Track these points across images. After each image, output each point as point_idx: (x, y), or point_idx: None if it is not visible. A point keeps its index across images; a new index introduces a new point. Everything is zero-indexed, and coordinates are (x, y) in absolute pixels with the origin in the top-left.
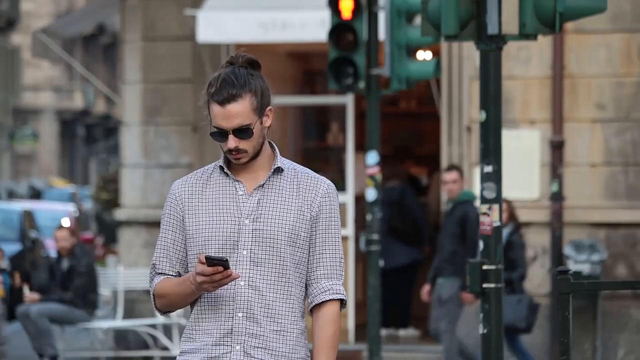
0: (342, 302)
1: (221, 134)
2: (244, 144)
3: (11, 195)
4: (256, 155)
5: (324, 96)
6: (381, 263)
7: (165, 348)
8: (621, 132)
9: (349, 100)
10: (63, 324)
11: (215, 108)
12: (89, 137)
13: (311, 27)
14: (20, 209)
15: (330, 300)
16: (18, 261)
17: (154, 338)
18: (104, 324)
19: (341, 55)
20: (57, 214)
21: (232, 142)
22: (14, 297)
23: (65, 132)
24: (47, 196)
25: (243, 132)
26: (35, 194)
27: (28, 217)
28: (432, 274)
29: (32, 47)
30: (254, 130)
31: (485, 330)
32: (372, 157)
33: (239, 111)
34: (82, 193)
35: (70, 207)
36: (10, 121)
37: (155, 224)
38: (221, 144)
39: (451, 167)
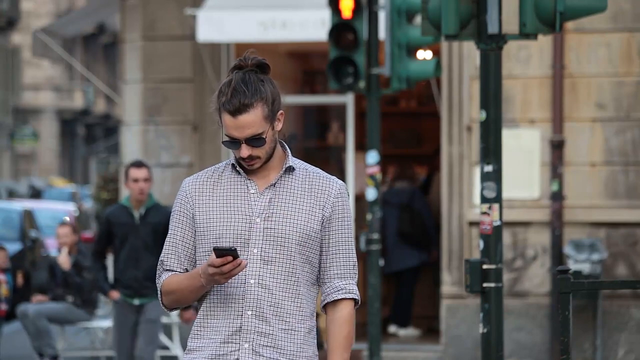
0: (355, 302)
1: (234, 143)
2: (256, 152)
3: (11, 194)
4: (268, 159)
5: (324, 96)
6: (381, 262)
7: (165, 347)
8: (621, 132)
9: (349, 99)
10: (63, 324)
11: (227, 118)
12: (89, 136)
13: (311, 26)
14: (20, 209)
15: (344, 299)
16: (18, 261)
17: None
18: (104, 323)
19: (341, 54)
20: (57, 213)
21: (245, 150)
22: (16, 296)
23: (65, 132)
24: (47, 195)
25: (255, 140)
26: (36, 194)
27: (28, 217)
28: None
29: (32, 46)
30: (266, 138)
31: (485, 330)
32: (372, 157)
33: (250, 121)
34: (82, 192)
35: (71, 207)
36: (10, 121)
37: None
38: (234, 152)
39: (140, 164)
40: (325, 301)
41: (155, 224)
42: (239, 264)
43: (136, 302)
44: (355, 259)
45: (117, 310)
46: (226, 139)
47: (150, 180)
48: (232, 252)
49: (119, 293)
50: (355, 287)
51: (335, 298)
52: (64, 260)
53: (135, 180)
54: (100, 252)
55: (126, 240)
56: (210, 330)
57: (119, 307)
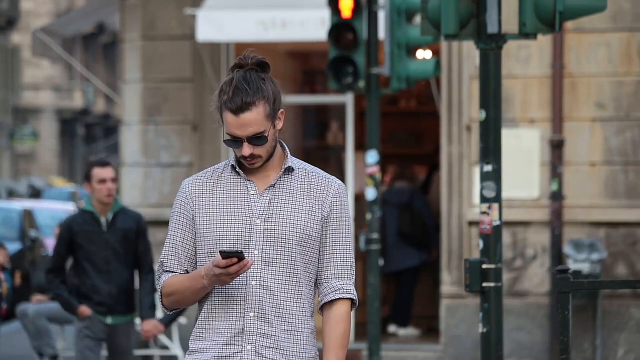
0: (353, 302)
1: (235, 141)
2: (258, 150)
3: (11, 194)
4: (269, 158)
5: (324, 95)
6: (381, 262)
7: (165, 347)
8: (621, 132)
9: (349, 99)
10: (63, 324)
11: (229, 117)
12: (89, 136)
13: (311, 26)
14: (20, 209)
15: (340, 299)
16: (18, 261)
17: (154, 337)
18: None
19: (341, 54)
20: (57, 213)
21: (247, 149)
22: (15, 296)
23: (65, 132)
24: (47, 195)
25: (257, 139)
26: (35, 194)
27: (28, 217)
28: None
29: (32, 46)
30: (268, 136)
31: (485, 330)
32: (372, 157)
33: (252, 120)
34: (82, 192)
35: (70, 207)
36: (10, 120)
37: (155, 223)
38: (235, 150)
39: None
40: (323, 302)
41: (126, 230)
42: (245, 265)
43: (109, 321)
44: (353, 260)
45: (85, 325)
46: (228, 137)
47: (117, 181)
48: (238, 255)
49: (90, 309)
50: (353, 288)
51: (333, 298)
52: (38, 299)
53: (103, 181)
54: (59, 269)
55: (93, 252)
56: (213, 332)
57: (88, 322)
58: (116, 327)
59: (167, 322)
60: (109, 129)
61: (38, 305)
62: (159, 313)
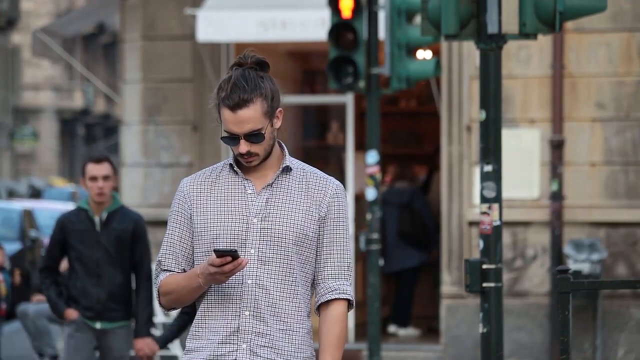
0: (350, 303)
1: (232, 139)
2: (255, 148)
3: (11, 194)
4: (267, 156)
5: (323, 95)
6: (381, 262)
7: (165, 347)
8: (621, 132)
9: (348, 99)
10: (63, 324)
11: (226, 113)
12: (89, 136)
13: (311, 26)
14: (20, 208)
15: (337, 299)
16: (18, 260)
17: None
18: None
19: (341, 54)
20: (57, 213)
21: (243, 146)
22: (14, 295)
23: (65, 132)
24: (47, 195)
25: (254, 136)
26: (35, 193)
27: (28, 217)
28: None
29: (32, 46)
30: (265, 134)
31: (485, 330)
32: (372, 157)
33: (250, 116)
34: (82, 192)
35: (70, 207)
36: (10, 120)
37: (155, 223)
38: (232, 148)
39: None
40: (319, 302)
41: (121, 231)
42: (240, 264)
43: (98, 326)
44: (351, 260)
45: (73, 330)
46: (225, 134)
47: (112, 178)
48: (232, 253)
49: (77, 312)
50: (350, 288)
51: (329, 298)
52: (38, 299)
53: (94, 179)
54: (51, 268)
55: (85, 252)
56: (208, 330)
57: (76, 327)
58: (106, 331)
59: (163, 342)
60: (109, 129)
61: (38, 305)
62: (157, 331)
